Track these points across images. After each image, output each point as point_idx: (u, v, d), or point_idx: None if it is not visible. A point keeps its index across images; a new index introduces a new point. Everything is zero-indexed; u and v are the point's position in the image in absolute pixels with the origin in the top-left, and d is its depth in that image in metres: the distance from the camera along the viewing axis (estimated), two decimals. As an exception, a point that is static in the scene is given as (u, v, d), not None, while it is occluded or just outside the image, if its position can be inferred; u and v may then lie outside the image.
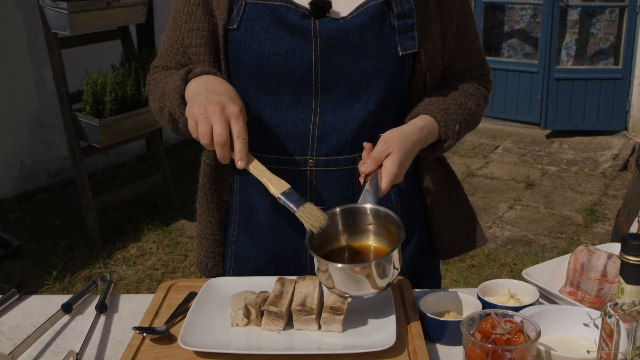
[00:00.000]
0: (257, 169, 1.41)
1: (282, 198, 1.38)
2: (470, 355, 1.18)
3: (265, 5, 1.48)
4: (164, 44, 1.67)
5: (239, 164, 1.36)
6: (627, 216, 2.52)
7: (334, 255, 1.39)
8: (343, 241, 1.42)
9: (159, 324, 1.42)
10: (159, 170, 5.15)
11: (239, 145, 1.36)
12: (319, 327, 1.35)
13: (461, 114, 1.59)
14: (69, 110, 4.41)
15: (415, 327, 1.37)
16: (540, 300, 1.50)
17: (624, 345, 1.09)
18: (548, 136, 6.85)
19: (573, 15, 7.28)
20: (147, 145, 6.22)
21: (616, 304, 1.11)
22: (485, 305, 1.43)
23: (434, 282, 1.81)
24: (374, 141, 1.48)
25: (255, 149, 1.58)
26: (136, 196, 5.19)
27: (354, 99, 1.51)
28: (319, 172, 1.55)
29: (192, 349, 1.28)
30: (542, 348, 1.25)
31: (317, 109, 1.51)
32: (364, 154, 1.45)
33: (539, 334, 1.19)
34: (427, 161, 1.67)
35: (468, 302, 1.46)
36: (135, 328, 1.37)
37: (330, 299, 1.36)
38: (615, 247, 1.66)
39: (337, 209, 1.41)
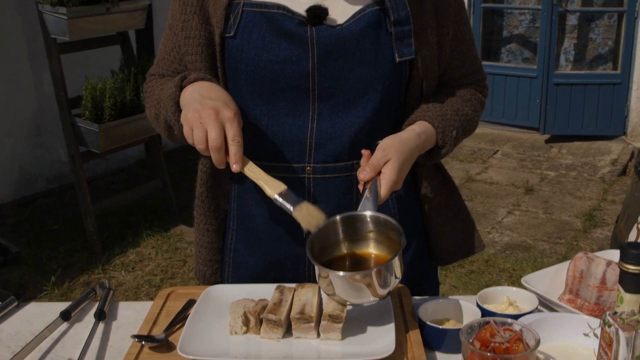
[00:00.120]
0: (253, 172, 1.40)
1: (279, 199, 1.38)
2: (470, 364, 1.18)
3: (262, 13, 1.48)
4: (161, 51, 1.67)
5: (234, 167, 1.36)
6: (626, 222, 2.52)
7: (334, 263, 1.39)
8: (344, 249, 1.42)
9: (158, 331, 1.42)
10: (158, 176, 5.15)
11: (234, 149, 1.35)
12: (318, 335, 1.35)
13: (458, 120, 1.59)
14: (68, 116, 4.41)
15: (415, 335, 1.37)
16: (540, 307, 1.50)
17: (623, 354, 1.09)
18: (547, 141, 6.85)
19: (572, 20, 7.29)
20: (146, 151, 6.22)
21: (615, 313, 1.11)
22: (485, 313, 1.43)
23: (432, 289, 1.81)
24: (371, 148, 1.48)
25: (253, 157, 1.58)
26: (135, 202, 5.18)
27: (351, 106, 1.51)
28: (317, 180, 1.55)
29: (190, 357, 1.28)
30: (541, 356, 1.25)
31: (314, 116, 1.51)
32: (363, 161, 1.45)
33: (538, 342, 1.18)
34: (424, 168, 1.67)
35: (467, 309, 1.46)
36: (134, 336, 1.37)
37: (329, 307, 1.36)
38: (614, 254, 1.66)
39: (338, 217, 1.41)
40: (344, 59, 1.48)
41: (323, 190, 1.56)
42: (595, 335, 1.17)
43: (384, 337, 1.33)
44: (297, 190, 1.55)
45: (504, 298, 1.51)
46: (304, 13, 1.47)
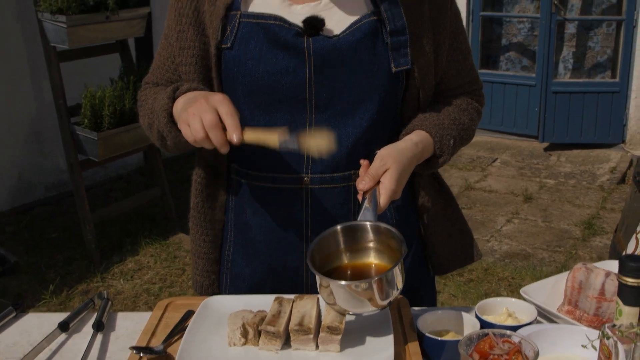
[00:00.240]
0: (252, 136, 1.37)
1: (283, 145, 1.35)
2: (468, 376, 1.18)
3: (258, 24, 1.49)
4: (156, 60, 1.67)
5: (234, 138, 1.33)
6: (625, 232, 2.52)
7: (335, 273, 1.39)
8: (345, 259, 1.42)
9: (156, 343, 1.41)
10: (156, 184, 5.15)
11: (230, 121, 1.34)
12: (317, 346, 1.35)
13: (455, 129, 1.60)
14: (68, 124, 4.42)
15: (414, 347, 1.36)
16: (539, 318, 1.50)
17: (622, 366, 1.09)
18: (546, 149, 6.85)
19: (570, 29, 7.30)
20: (145, 158, 6.22)
21: (614, 325, 1.11)
22: (484, 324, 1.43)
23: (430, 298, 1.81)
24: (369, 158, 1.48)
25: (250, 168, 1.58)
26: (134, 209, 5.18)
27: (348, 116, 1.52)
28: (314, 190, 1.55)
29: (189, 369, 1.28)
30: (540, 368, 1.25)
31: (312, 126, 1.52)
32: (361, 171, 1.46)
33: (537, 355, 1.18)
34: (422, 177, 1.67)
35: (466, 321, 1.46)
36: (133, 348, 1.37)
37: (328, 318, 1.35)
38: (613, 265, 1.66)
39: (338, 227, 1.41)
40: (340, 70, 1.49)
41: (321, 201, 1.56)
42: (594, 347, 1.17)
43: (382, 348, 1.33)
44: (295, 201, 1.56)
45: (503, 309, 1.51)
46: (300, 24, 1.48)
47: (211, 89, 1.54)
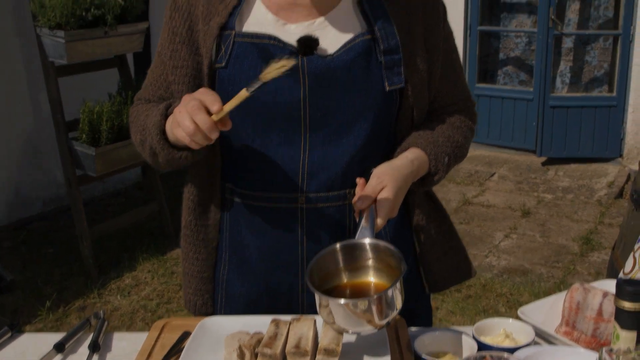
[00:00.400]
0: (228, 105, 1.36)
1: (251, 89, 1.34)
2: (466, 400, 1.17)
3: (253, 44, 1.49)
4: (149, 77, 1.68)
5: (215, 108, 1.32)
6: (622, 250, 2.51)
7: (335, 292, 1.39)
8: (344, 277, 1.42)
9: (152, 365, 1.41)
10: (154, 198, 5.14)
11: (207, 98, 1.33)
12: (314, 369, 1.34)
13: (449, 147, 1.61)
14: (65, 139, 4.41)
15: (411, 369, 1.36)
16: (536, 339, 1.49)
17: (620, 391, 1.08)
18: (544, 163, 6.86)
19: (567, 43, 7.33)
20: (143, 173, 6.21)
21: (611, 350, 1.10)
22: (481, 346, 1.42)
23: (426, 316, 1.81)
24: (365, 176, 1.48)
25: (245, 187, 1.58)
26: (132, 225, 5.16)
27: (343, 135, 1.52)
28: (310, 209, 1.55)
29: (185, 392, 1.27)
30: (538, 392, 1.24)
31: (307, 145, 1.52)
32: (358, 189, 1.46)
33: (534, 378, 1.18)
34: (416, 195, 1.68)
35: (464, 342, 1.46)
36: (128, 370, 1.36)
37: (324, 340, 1.35)
38: (611, 284, 1.66)
39: (337, 245, 1.41)
40: (335, 89, 1.49)
41: (317, 220, 1.56)
42: (592, 371, 1.16)
43: (379, 371, 1.33)
44: (291, 220, 1.56)
45: (500, 330, 1.51)
46: (295, 43, 1.48)
47: None
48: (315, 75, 1.48)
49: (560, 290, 4.25)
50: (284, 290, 1.62)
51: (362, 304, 1.29)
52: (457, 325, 3.87)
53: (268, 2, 1.53)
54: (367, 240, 1.39)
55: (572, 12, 7.20)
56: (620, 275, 1.87)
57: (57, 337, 1.57)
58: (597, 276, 4.46)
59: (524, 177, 6.56)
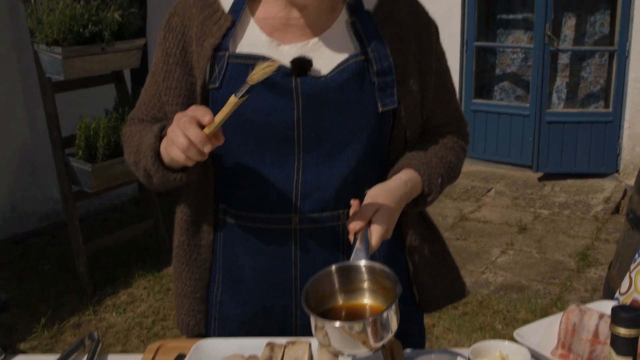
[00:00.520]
0: (219, 115, 1.35)
1: (239, 94, 1.33)
2: None
3: (247, 65, 1.49)
4: (142, 96, 1.68)
5: (206, 119, 1.32)
6: (618, 269, 2.51)
7: (330, 314, 1.38)
8: (340, 299, 1.41)
9: (146, 388, 1.40)
10: (151, 214, 5.13)
11: (197, 112, 1.33)
12: (308, 393, 1.33)
13: (442, 167, 1.61)
14: (62, 155, 4.41)
15: (406, 393, 1.35)
16: (532, 362, 1.49)
17: (616, 418, 1.07)
18: (540, 179, 6.87)
19: (563, 59, 7.36)
20: (140, 189, 6.20)
21: (607, 376, 1.10)
22: (477, 369, 1.42)
23: (419, 335, 1.81)
24: (357, 197, 1.49)
25: (239, 208, 1.58)
26: (128, 241, 5.15)
27: (337, 156, 1.52)
28: (303, 230, 1.55)
29: (179, 417, 1.26)
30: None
31: (300, 166, 1.52)
32: (352, 211, 1.46)
33: (530, 404, 1.17)
34: (410, 216, 1.68)
35: (459, 365, 1.45)
36: (122, 394, 1.35)
37: (319, 364, 1.34)
38: (607, 305, 1.65)
39: (333, 267, 1.41)
40: (328, 110, 1.50)
41: (310, 241, 1.56)
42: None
43: (375, 395, 1.32)
44: (284, 241, 1.55)
45: (496, 352, 1.50)
46: (288, 64, 1.49)
47: None
48: (308, 96, 1.48)
49: (556, 306, 4.26)
50: (278, 312, 1.61)
51: (357, 326, 1.29)
52: (454, 342, 3.87)
53: (262, 23, 1.54)
54: (362, 262, 1.39)
55: (568, 29, 7.23)
56: (617, 295, 1.86)
57: (50, 358, 1.56)
58: (594, 292, 4.45)
59: (521, 192, 6.56)
